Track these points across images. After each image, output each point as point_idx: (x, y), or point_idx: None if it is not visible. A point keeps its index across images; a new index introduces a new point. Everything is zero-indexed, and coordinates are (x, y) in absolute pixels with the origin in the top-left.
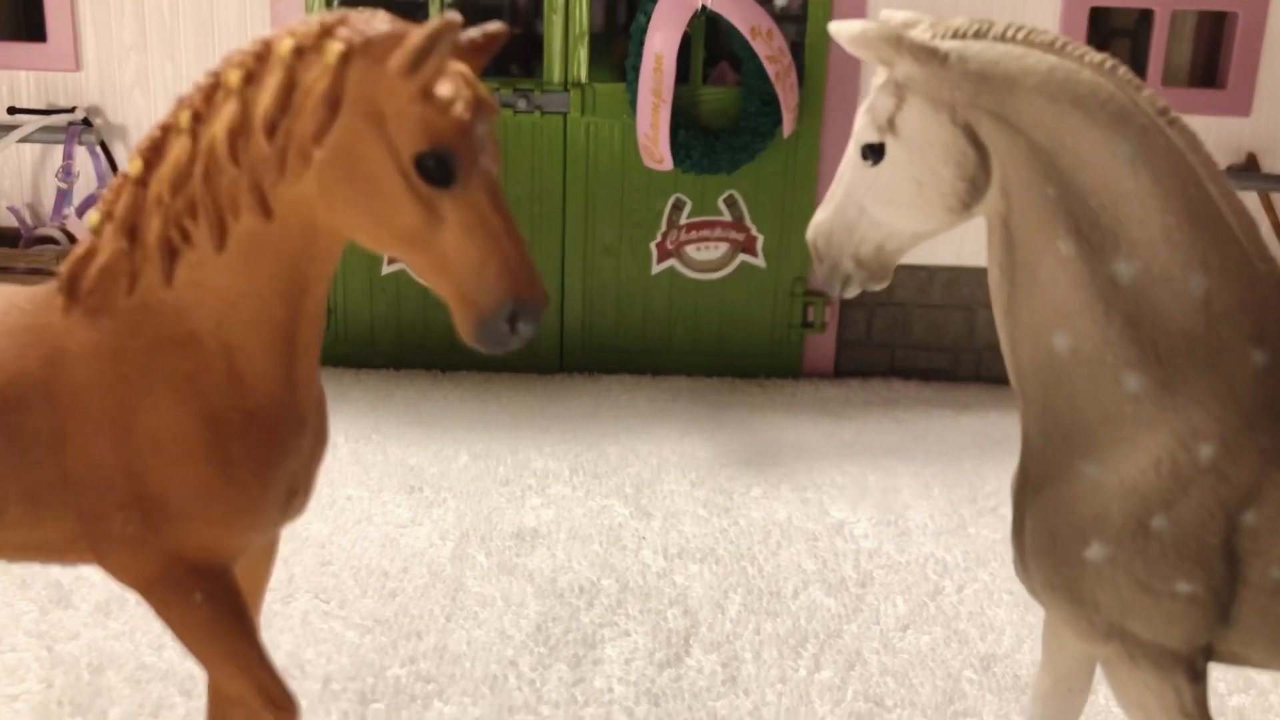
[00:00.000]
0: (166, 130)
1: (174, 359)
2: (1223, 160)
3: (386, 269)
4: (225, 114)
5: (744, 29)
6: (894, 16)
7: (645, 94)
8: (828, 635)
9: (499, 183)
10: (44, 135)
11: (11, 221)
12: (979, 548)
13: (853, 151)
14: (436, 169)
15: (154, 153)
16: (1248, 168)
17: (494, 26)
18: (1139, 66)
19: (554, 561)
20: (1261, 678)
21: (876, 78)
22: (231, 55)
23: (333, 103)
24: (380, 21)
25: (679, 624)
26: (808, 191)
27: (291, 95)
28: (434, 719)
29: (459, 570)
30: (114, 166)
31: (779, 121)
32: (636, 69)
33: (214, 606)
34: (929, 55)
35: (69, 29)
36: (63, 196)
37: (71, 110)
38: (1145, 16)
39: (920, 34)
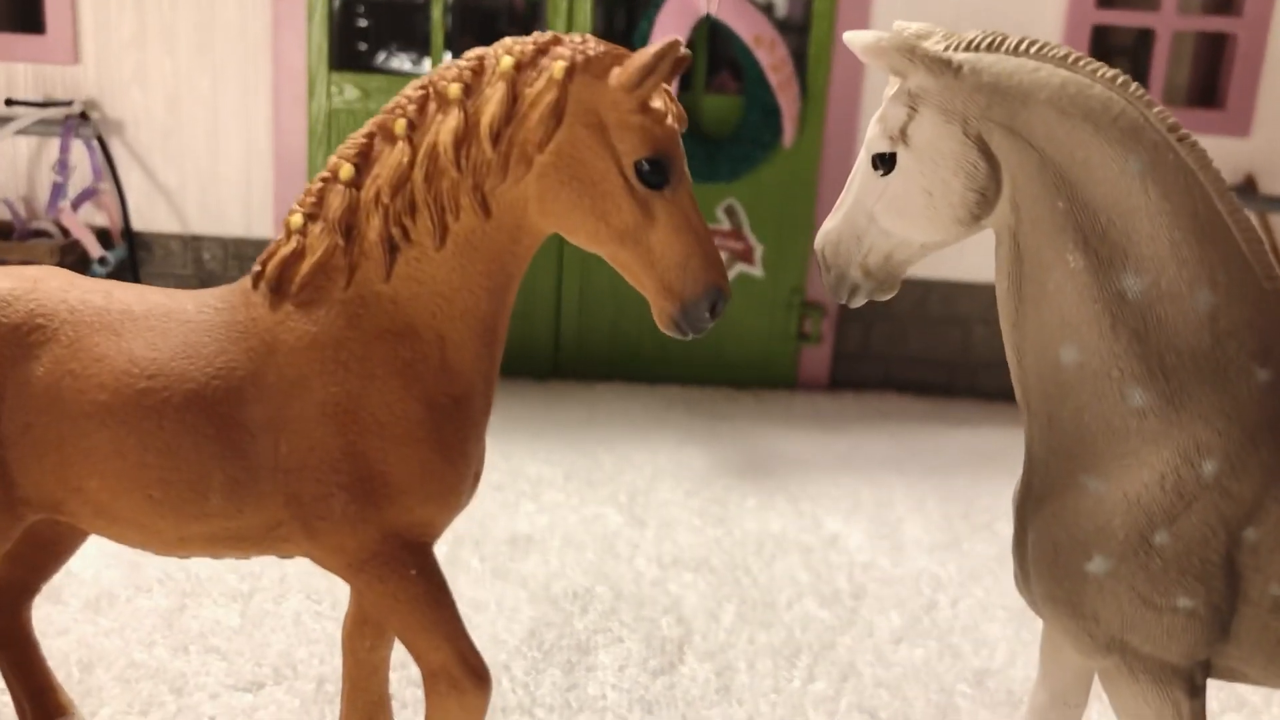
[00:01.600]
0: (374, 137)
1: (394, 348)
2: None
3: None
4: (449, 122)
5: (747, 38)
6: (908, 27)
7: None
8: (822, 647)
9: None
10: (40, 128)
11: (5, 214)
12: (973, 563)
13: (864, 160)
14: (654, 173)
15: (363, 157)
16: (1246, 189)
17: (687, 52)
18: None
19: (548, 568)
20: (1254, 696)
21: (889, 88)
22: (445, 70)
23: (558, 113)
24: (594, 42)
25: (673, 632)
26: (807, 202)
27: (515, 105)
28: None
29: (452, 575)
30: (110, 161)
31: (780, 132)
32: None
33: (427, 581)
34: (943, 66)
35: (68, 22)
36: (58, 190)
37: (69, 104)
38: (1144, 35)
39: (934, 45)
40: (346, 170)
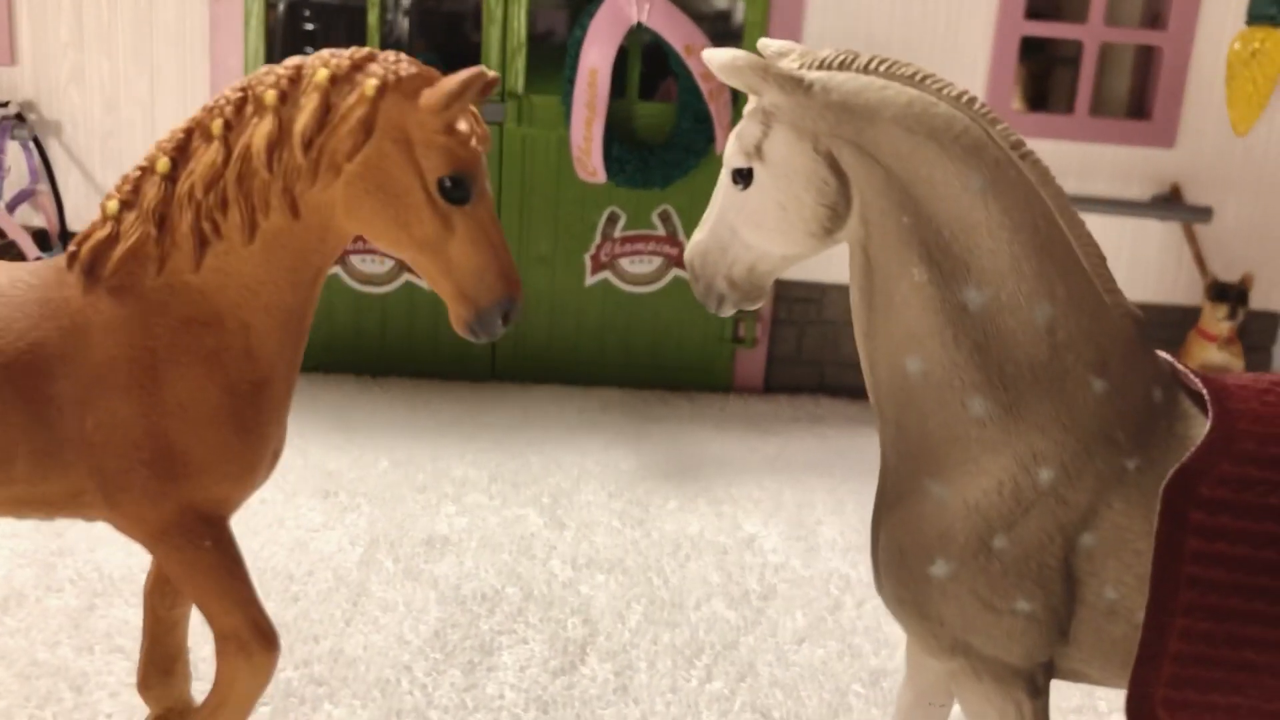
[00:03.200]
0: (191, 134)
1: (199, 335)
2: (1147, 190)
3: None
4: (264, 127)
5: (678, 46)
6: (769, 45)
7: (579, 107)
8: (724, 647)
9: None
10: None
11: None
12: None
13: (724, 176)
14: (455, 190)
15: (180, 153)
16: (1171, 199)
17: (493, 75)
18: (1075, 100)
19: (461, 569)
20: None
21: (747, 106)
22: (263, 76)
23: (367, 127)
24: (407, 63)
25: (577, 633)
26: None
27: (328, 116)
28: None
29: (364, 575)
30: (47, 162)
31: (712, 139)
32: (572, 81)
33: (220, 552)
34: (794, 85)
35: (4, 22)
36: None
37: (5, 105)
38: None
39: (788, 64)
40: (163, 164)
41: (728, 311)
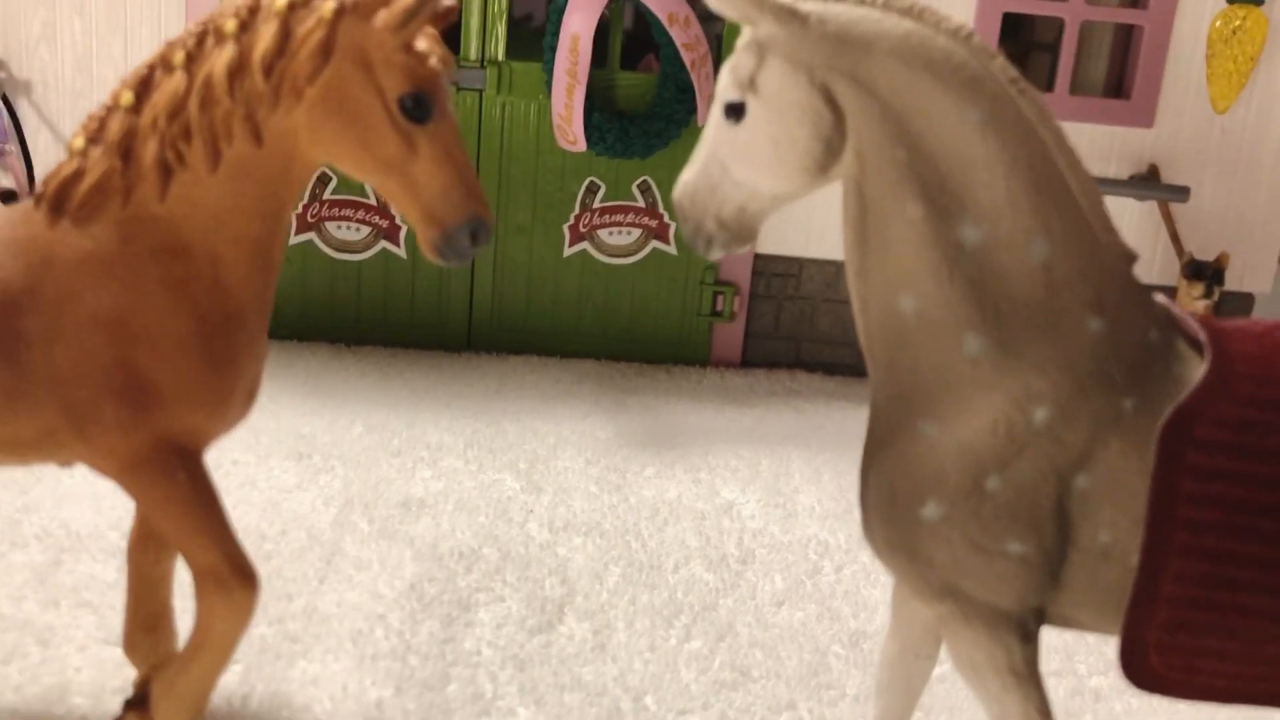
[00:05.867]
0: (154, 68)
1: (167, 266)
2: (1125, 170)
3: (292, 240)
4: (224, 55)
5: (661, 15)
6: None
7: (560, 75)
8: (702, 608)
9: (457, 124)
10: None
11: None
12: (862, 532)
13: (716, 110)
14: (415, 108)
15: (143, 86)
16: (1149, 178)
17: (450, 2)
18: (1054, 79)
19: (437, 529)
20: None
21: (741, 38)
22: (224, 8)
23: (326, 50)
24: None
25: (555, 592)
26: None
27: (287, 42)
28: (297, 677)
29: (338, 535)
30: (16, 121)
31: (694, 109)
32: (553, 49)
33: (195, 485)
34: (789, 15)
35: None
36: None
37: None
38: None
39: None
40: (126, 97)
41: (716, 254)
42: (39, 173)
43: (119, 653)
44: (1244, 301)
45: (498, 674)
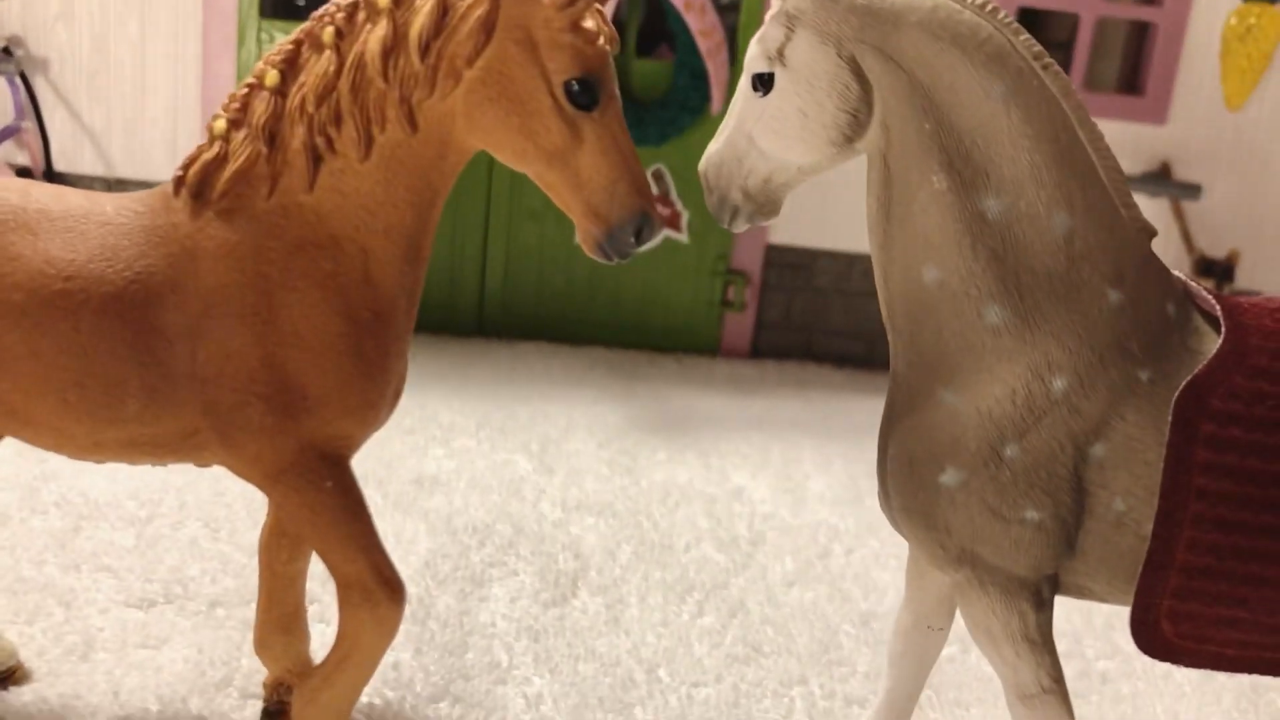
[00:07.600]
0: (300, 44)
1: (315, 260)
2: (1137, 166)
3: None
4: (377, 32)
5: (677, 2)
6: None
7: None
8: (714, 586)
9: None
10: None
11: None
12: (872, 517)
13: (744, 82)
14: (583, 94)
15: (289, 65)
16: (1161, 175)
17: None
18: (1069, 76)
19: (450, 505)
20: (1128, 645)
21: (770, 10)
22: None
23: (488, 28)
24: None
25: (568, 567)
26: None
27: (446, 18)
28: (316, 638)
29: None
30: (34, 98)
31: (708, 97)
32: None
33: (342, 493)
34: None
35: None
36: None
37: None
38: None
39: None
40: (272, 77)
41: (740, 226)
42: (55, 150)
43: (141, 615)
44: None
45: (513, 644)
